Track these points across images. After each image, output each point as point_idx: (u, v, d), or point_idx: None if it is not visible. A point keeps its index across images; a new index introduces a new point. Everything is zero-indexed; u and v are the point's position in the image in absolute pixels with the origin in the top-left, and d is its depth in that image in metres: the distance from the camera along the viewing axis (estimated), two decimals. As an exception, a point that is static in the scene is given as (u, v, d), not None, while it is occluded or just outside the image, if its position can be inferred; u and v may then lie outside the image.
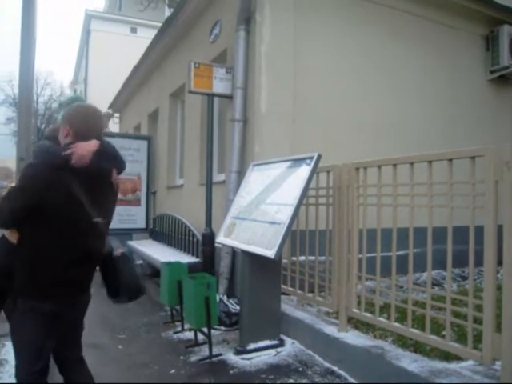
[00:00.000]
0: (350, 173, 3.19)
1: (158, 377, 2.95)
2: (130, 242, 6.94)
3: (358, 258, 3.18)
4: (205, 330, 3.32)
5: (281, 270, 3.61)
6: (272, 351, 3.30)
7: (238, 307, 3.80)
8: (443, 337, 2.52)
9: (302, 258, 3.76)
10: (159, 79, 8.15)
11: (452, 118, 5.59)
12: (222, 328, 3.83)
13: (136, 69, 8.99)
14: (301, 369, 3.02)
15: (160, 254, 5.55)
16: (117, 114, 12.30)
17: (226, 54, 5.16)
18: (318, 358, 3.17)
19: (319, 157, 3.22)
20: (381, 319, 2.92)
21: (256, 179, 3.88)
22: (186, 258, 5.05)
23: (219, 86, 4.76)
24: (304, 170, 3.25)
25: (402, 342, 2.90)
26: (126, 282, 1.93)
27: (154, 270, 5.75)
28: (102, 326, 4.00)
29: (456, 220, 2.46)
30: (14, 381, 1.85)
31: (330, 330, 3.16)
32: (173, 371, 3.03)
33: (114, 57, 18.73)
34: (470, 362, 2.47)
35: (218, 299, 3.74)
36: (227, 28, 5.09)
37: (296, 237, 3.79)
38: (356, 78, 5.00)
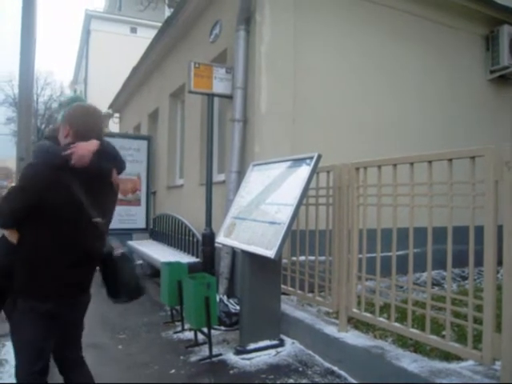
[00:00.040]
0: (350, 173, 3.19)
1: (158, 377, 2.95)
2: (130, 242, 6.94)
3: (358, 257, 3.18)
4: (205, 329, 3.32)
5: (281, 269, 3.61)
6: (272, 351, 3.30)
7: (237, 307, 3.80)
8: (443, 337, 2.52)
9: (302, 258, 3.76)
10: (159, 79, 8.15)
11: (452, 118, 5.59)
12: (222, 328, 3.83)
13: (136, 69, 8.99)
14: (301, 369, 3.02)
15: (160, 253, 5.55)
16: (117, 114, 12.30)
17: (226, 54, 5.16)
18: (318, 357, 3.17)
19: (319, 157, 3.22)
20: (381, 319, 2.92)
21: (256, 179, 3.88)
22: (186, 258, 5.05)
23: (219, 86, 4.76)
24: (304, 170, 3.25)
25: (402, 342, 2.90)
26: (126, 282, 1.93)
27: (154, 270, 5.75)
28: (102, 326, 4.00)
29: (456, 220, 2.46)
30: (14, 381, 1.85)
31: (330, 330, 3.16)
32: (173, 371, 3.03)
33: (114, 57, 18.73)
34: (470, 362, 2.47)
35: (217, 299, 3.74)
36: (227, 28, 5.09)
37: (296, 237, 3.79)
38: (356, 78, 5.00)
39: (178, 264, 4.09)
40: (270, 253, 3.00)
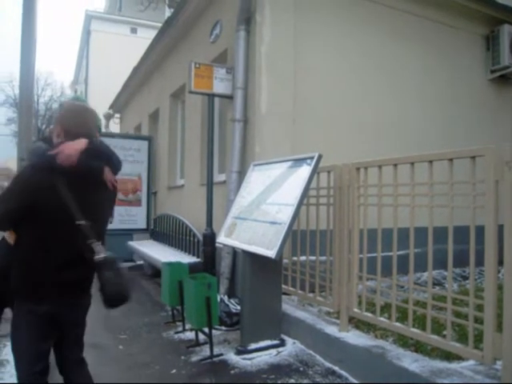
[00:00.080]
0: (351, 173, 3.19)
1: (159, 377, 2.95)
2: (131, 243, 6.95)
3: (359, 257, 3.18)
4: (206, 330, 3.32)
5: (282, 270, 3.61)
6: (273, 351, 3.30)
7: (238, 307, 3.81)
8: (444, 336, 2.52)
9: (303, 257, 3.76)
10: (159, 79, 8.16)
11: (452, 118, 5.59)
12: (223, 328, 3.83)
13: (136, 69, 9.00)
14: (302, 369, 3.02)
15: (161, 254, 5.56)
16: (117, 115, 12.30)
17: (227, 54, 5.16)
18: (318, 357, 3.17)
19: (320, 157, 3.22)
20: (382, 319, 2.92)
21: (257, 179, 3.88)
22: (186, 258, 5.05)
23: (219, 86, 4.76)
24: (305, 170, 3.25)
25: (403, 341, 2.90)
26: (104, 289, 1.80)
27: (155, 271, 5.76)
28: (103, 326, 4.00)
29: (457, 220, 2.46)
30: (16, 381, 1.85)
31: (331, 330, 3.16)
32: (174, 371, 3.03)
33: (115, 57, 18.73)
34: (471, 362, 2.47)
35: (218, 299, 3.75)
36: (227, 28, 5.09)
37: (297, 237, 3.79)
38: (356, 78, 5.00)
39: (178, 264, 4.09)
40: (271, 253, 3.00)
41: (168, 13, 13.19)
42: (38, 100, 26.00)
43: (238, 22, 4.59)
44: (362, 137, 4.90)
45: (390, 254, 2.86)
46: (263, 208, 3.47)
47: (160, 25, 7.97)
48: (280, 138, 4.50)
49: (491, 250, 2.21)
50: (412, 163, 2.72)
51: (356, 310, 3.12)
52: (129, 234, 7.40)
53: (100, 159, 1.86)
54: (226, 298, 4.08)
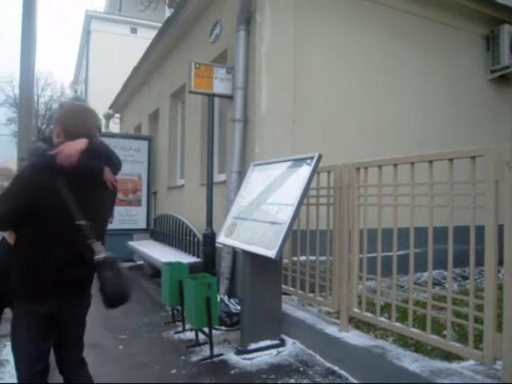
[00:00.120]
0: (351, 173, 3.19)
1: (159, 377, 2.95)
2: (131, 243, 6.95)
3: (359, 257, 3.18)
4: (206, 330, 3.32)
5: (282, 270, 3.61)
6: (273, 351, 3.30)
7: (238, 307, 3.81)
8: (444, 336, 2.52)
9: (303, 258, 3.76)
10: (159, 79, 8.16)
11: (452, 118, 5.59)
12: (223, 328, 3.83)
13: (136, 69, 9.00)
14: (302, 369, 3.02)
15: (161, 254, 5.56)
16: (117, 115, 12.30)
17: (227, 54, 5.16)
18: (318, 357, 3.17)
19: (320, 157, 3.22)
20: (382, 319, 2.92)
21: (257, 179, 3.88)
22: (186, 258, 5.05)
23: (220, 87, 4.76)
24: (305, 170, 3.25)
25: (403, 341, 2.90)
26: (104, 289, 1.81)
27: (155, 271, 5.76)
28: (103, 326, 4.00)
29: (457, 220, 2.46)
30: (16, 381, 1.85)
31: (331, 330, 3.16)
32: (174, 371, 3.03)
33: (115, 57, 18.74)
34: (471, 362, 2.47)
35: (218, 299, 3.75)
36: (227, 28, 5.09)
37: (297, 237, 3.79)
38: (356, 77, 5.00)
39: (178, 264, 4.09)
40: (271, 253, 3.00)
41: (168, 13, 13.19)
42: (38, 100, 26.00)
43: (237, 22, 4.60)
44: (361, 137, 4.90)
45: (390, 254, 2.86)
46: (263, 208, 3.47)
47: (160, 25, 7.97)
48: (280, 138, 4.50)
49: (491, 250, 2.21)
50: (412, 163, 2.72)
51: (356, 309, 3.12)
52: (129, 233, 7.40)
53: (100, 159, 1.86)
54: (226, 298, 4.08)
